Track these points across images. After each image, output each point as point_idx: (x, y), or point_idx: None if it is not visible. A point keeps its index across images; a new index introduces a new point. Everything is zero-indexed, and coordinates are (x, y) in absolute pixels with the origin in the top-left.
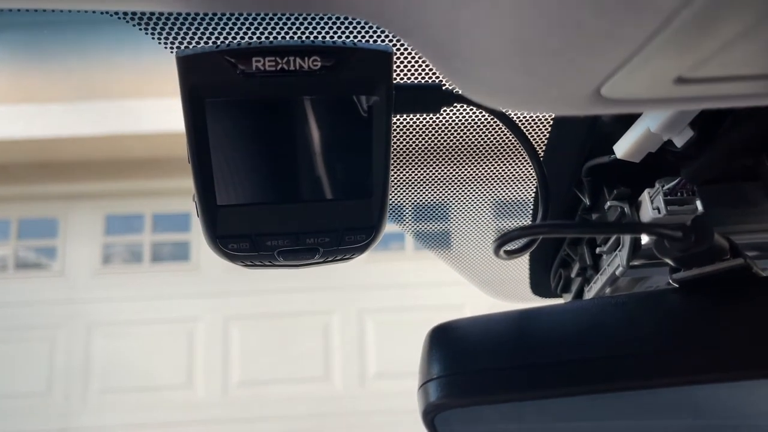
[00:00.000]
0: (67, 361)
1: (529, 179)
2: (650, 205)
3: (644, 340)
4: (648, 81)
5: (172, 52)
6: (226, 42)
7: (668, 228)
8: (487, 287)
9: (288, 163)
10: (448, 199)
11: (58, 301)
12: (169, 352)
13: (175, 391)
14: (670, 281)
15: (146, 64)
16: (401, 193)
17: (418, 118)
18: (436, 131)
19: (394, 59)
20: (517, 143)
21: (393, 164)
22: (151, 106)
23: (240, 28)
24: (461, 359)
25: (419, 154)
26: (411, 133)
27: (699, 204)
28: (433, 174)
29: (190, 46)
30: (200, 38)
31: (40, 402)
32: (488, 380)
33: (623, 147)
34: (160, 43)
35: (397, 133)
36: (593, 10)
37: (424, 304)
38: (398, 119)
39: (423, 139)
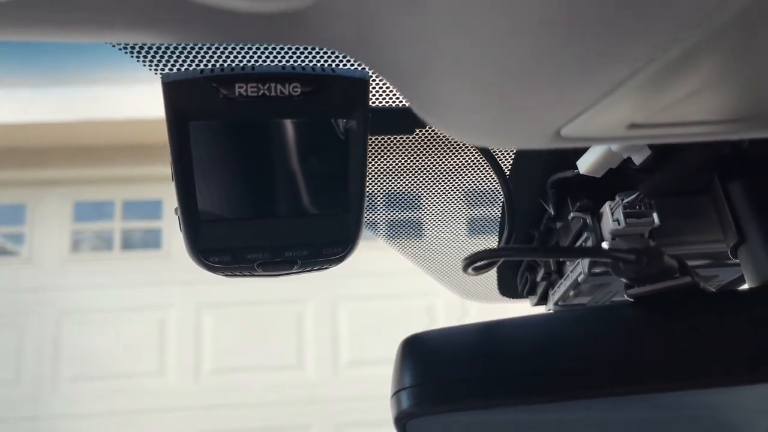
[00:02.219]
0: (36, 349)
1: (497, 188)
2: (611, 217)
3: (601, 352)
4: (605, 126)
5: (156, 73)
6: (210, 67)
7: (622, 252)
8: (457, 288)
9: (268, 181)
10: (418, 207)
11: (26, 289)
12: (141, 339)
13: (146, 378)
14: (626, 296)
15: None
16: (373, 200)
17: (393, 138)
18: (411, 148)
19: (371, 84)
20: (488, 165)
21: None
22: (122, 92)
23: (223, 53)
24: (432, 369)
25: (394, 168)
26: (387, 149)
27: (656, 217)
28: (405, 184)
29: (175, 69)
30: (185, 61)
31: (9, 390)
32: (457, 390)
33: (586, 163)
34: (145, 65)
35: (374, 150)
36: (550, 71)
37: (397, 292)
38: (374, 139)
39: (398, 154)
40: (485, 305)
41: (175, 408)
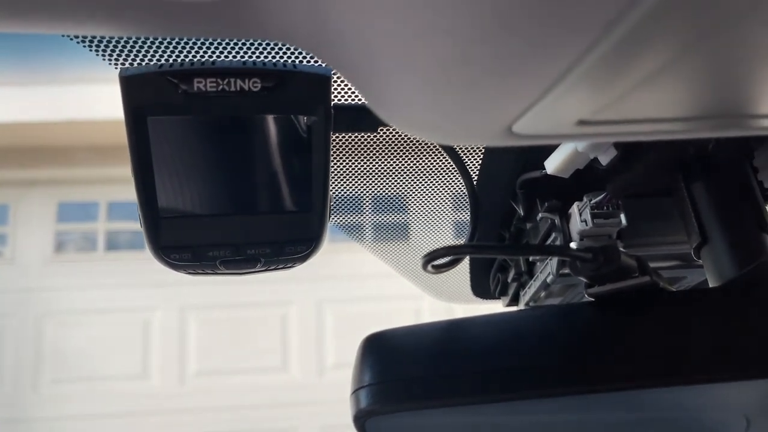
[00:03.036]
0: (17, 351)
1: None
2: (579, 218)
3: (560, 350)
4: (553, 122)
5: (116, 68)
6: (169, 62)
7: (579, 251)
8: (430, 289)
9: (229, 177)
10: (386, 207)
11: (8, 290)
12: (124, 341)
13: (130, 381)
14: (586, 295)
15: None
16: (344, 199)
17: (357, 136)
18: (376, 146)
19: (333, 81)
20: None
21: (334, 168)
22: (107, 91)
23: (184, 48)
24: (391, 368)
25: (361, 167)
26: (354, 148)
27: (623, 217)
28: (374, 184)
29: (135, 64)
30: (144, 56)
31: None
32: (414, 388)
33: (553, 164)
34: (104, 59)
35: (340, 147)
36: (489, 64)
37: (382, 295)
38: (338, 137)
39: (364, 153)
40: (471, 307)
41: (159, 411)
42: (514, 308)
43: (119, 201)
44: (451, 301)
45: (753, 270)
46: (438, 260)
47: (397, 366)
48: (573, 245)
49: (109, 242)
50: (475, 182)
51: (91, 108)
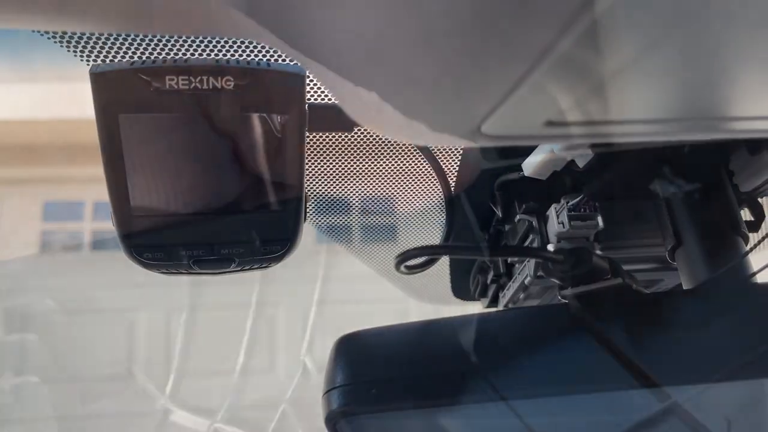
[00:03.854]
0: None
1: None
2: (556, 220)
3: (530, 352)
4: (521, 123)
5: (88, 64)
6: (142, 59)
7: (550, 253)
8: (411, 291)
9: (202, 176)
10: (365, 208)
11: None
12: (109, 342)
13: (114, 382)
14: (558, 296)
15: None
16: (321, 200)
17: (335, 135)
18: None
19: (310, 80)
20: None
21: (312, 168)
22: None
23: (157, 45)
24: (362, 369)
25: (339, 167)
26: (331, 147)
27: (600, 219)
28: (353, 183)
29: (107, 61)
30: (117, 52)
31: None
32: (386, 389)
33: (530, 165)
34: (76, 56)
35: (317, 147)
36: (454, 70)
37: (370, 297)
38: (314, 136)
39: (342, 153)
40: (458, 308)
41: (144, 412)
42: (492, 309)
43: (106, 200)
44: (433, 302)
45: (725, 273)
46: (411, 261)
47: (369, 367)
48: (550, 247)
49: (95, 242)
50: (453, 183)
51: (77, 106)
